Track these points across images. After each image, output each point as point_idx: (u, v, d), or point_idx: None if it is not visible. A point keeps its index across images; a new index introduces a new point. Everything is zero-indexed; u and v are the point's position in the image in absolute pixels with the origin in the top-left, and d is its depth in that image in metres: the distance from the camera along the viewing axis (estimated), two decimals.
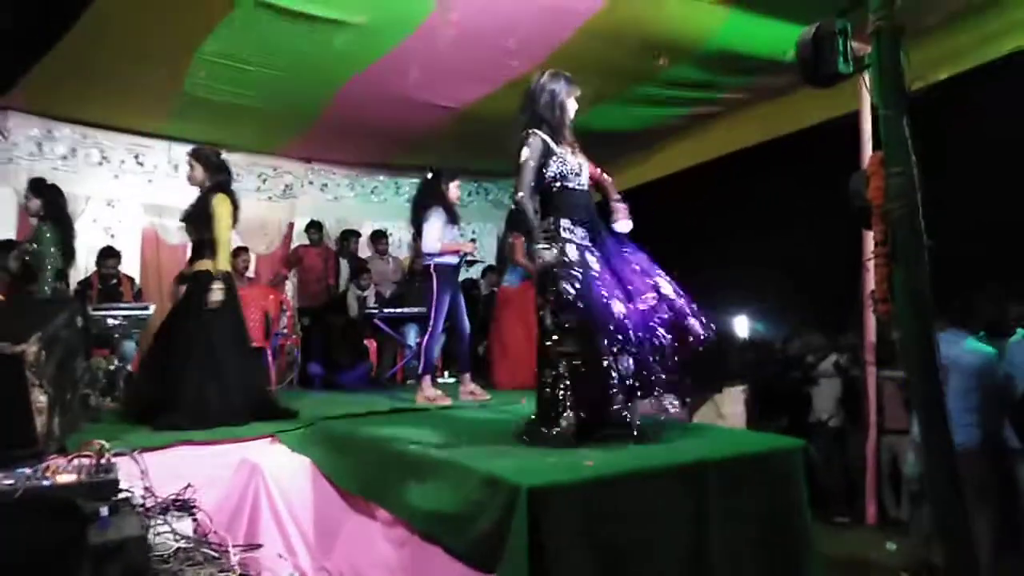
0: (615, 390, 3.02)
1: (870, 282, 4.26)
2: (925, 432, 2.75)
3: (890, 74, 2.57)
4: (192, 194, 4.43)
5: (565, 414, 3.06)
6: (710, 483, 2.68)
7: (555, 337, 3.13)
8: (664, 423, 3.16)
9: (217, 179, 4.32)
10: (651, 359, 3.00)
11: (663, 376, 3.04)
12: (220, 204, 4.19)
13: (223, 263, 4.18)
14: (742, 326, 6.12)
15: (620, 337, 2.98)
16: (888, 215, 2.62)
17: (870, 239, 3.78)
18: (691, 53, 5.18)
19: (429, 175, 5.29)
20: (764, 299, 6.24)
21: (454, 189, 5.17)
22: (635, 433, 3.04)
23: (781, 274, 6.07)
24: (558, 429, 3.06)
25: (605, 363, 3.00)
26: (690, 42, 5.03)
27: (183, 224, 4.49)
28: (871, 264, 3.51)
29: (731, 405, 5.57)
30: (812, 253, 5.89)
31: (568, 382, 3.07)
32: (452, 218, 5.06)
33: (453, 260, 5.06)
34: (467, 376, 5.20)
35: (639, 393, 3.05)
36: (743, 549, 2.73)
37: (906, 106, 2.54)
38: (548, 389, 3.14)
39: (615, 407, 3.07)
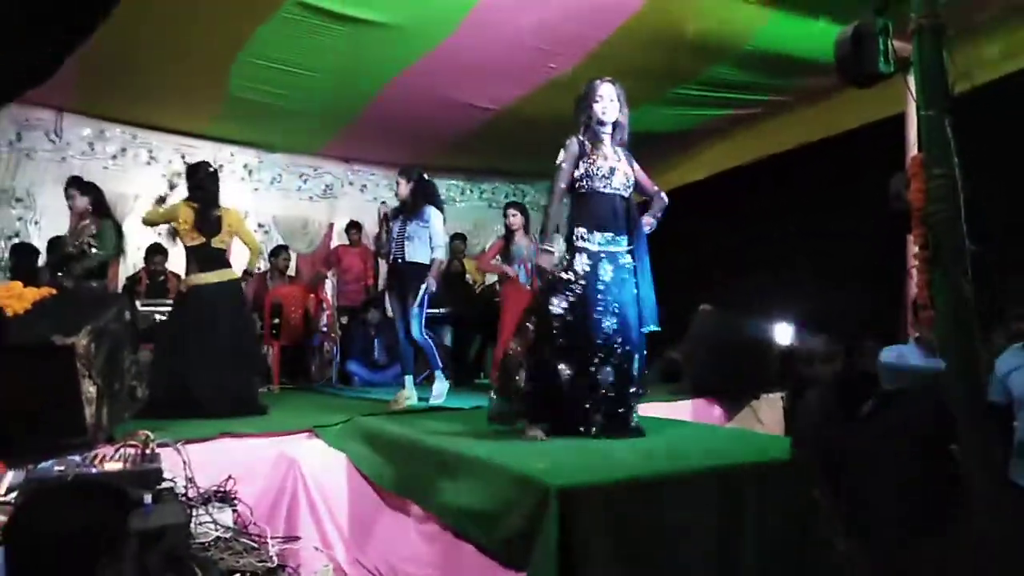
0: (580, 397, 3.22)
1: (914, 288, 4.16)
2: (969, 458, 2.35)
3: (932, 74, 2.50)
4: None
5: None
6: (745, 488, 2.65)
7: (536, 335, 3.27)
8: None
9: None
10: (629, 371, 3.26)
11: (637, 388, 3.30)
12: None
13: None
14: (781, 332, 6.00)
15: (602, 354, 3.21)
16: (929, 219, 2.56)
17: (912, 244, 3.69)
18: (731, 54, 5.14)
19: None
20: (804, 305, 6.11)
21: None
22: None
23: (823, 280, 5.94)
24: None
25: (587, 371, 3.20)
26: (730, 43, 4.99)
27: None
28: (915, 270, 3.42)
29: (769, 412, 5.48)
30: (856, 258, 5.75)
31: (532, 379, 3.23)
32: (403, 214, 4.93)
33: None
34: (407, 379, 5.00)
35: (609, 403, 3.24)
36: (775, 559, 2.69)
37: (949, 107, 2.48)
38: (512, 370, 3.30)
39: (576, 411, 3.23)
